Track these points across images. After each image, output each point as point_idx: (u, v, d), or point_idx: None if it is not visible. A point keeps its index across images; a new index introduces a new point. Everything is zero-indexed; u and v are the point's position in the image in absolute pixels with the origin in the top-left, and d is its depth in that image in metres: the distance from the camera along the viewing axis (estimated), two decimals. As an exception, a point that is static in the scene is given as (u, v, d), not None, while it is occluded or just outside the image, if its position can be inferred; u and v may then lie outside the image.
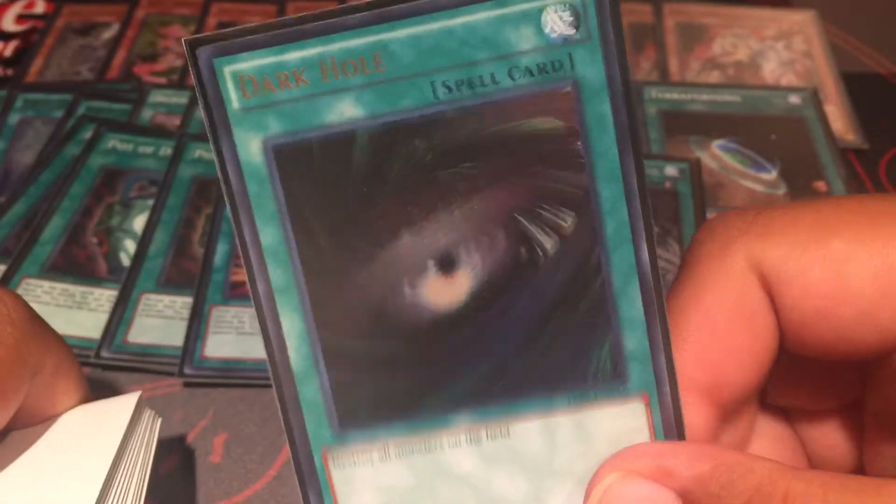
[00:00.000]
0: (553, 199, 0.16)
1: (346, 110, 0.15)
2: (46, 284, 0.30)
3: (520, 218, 0.16)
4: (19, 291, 0.30)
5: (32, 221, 0.32)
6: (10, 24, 0.44)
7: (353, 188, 0.16)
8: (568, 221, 0.16)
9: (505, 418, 0.17)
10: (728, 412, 0.17)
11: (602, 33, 0.15)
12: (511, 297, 0.16)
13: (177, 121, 0.37)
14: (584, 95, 0.15)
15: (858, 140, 0.38)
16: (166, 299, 0.30)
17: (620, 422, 0.17)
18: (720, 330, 0.16)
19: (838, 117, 0.39)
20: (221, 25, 0.44)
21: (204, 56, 0.15)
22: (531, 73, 0.15)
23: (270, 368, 0.17)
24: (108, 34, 0.43)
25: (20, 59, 0.42)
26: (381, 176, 0.16)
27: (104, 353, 0.28)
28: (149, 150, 0.35)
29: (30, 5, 0.45)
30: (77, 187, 0.34)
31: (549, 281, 0.16)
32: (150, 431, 0.22)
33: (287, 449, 0.26)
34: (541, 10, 0.15)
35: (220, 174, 0.16)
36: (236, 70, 0.15)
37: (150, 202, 0.33)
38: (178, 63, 0.42)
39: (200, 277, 0.30)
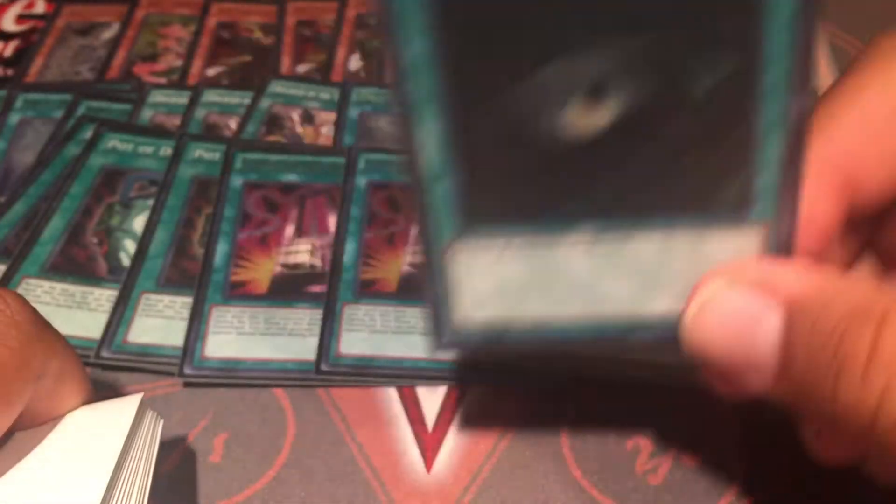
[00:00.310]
0: (717, 42, 0.16)
1: None
2: (46, 284, 0.30)
3: (680, 56, 0.16)
4: (19, 291, 0.30)
5: (32, 221, 0.32)
6: (9, 24, 0.44)
7: (515, 24, 0.16)
8: (728, 65, 0.16)
9: (625, 231, 0.18)
10: (853, 218, 0.17)
11: None
12: (653, 127, 0.17)
13: (177, 121, 0.38)
14: None
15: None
16: (166, 299, 0.30)
17: (735, 246, 0.18)
18: (873, 128, 0.17)
19: (837, 118, 0.39)
20: (222, 26, 0.44)
21: None
22: None
23: (408, 167, 0.18)
24: (108, 34, 0.43)
25: (20, 59, 0.42)
26: (553, 26, 0.16)
27: (104, 353, 0.28)
28: (149, 150, 0.35)
29: (30, 5, 0.45)
30: (77, 187, 0.34)
31: (696, 118, 0.17)
32: (153, 433, 0.22)
33: (286, 451, 0.26)
34: None
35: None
36: None
37: (150, 202, 0.33)
38: (178, 63, 0.42)
39: (200, 277, 0.30)
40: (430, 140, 0.17)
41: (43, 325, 0.21)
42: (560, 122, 0.17)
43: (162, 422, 0.23)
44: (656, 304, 0.19)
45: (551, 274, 0.19)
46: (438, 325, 0.20)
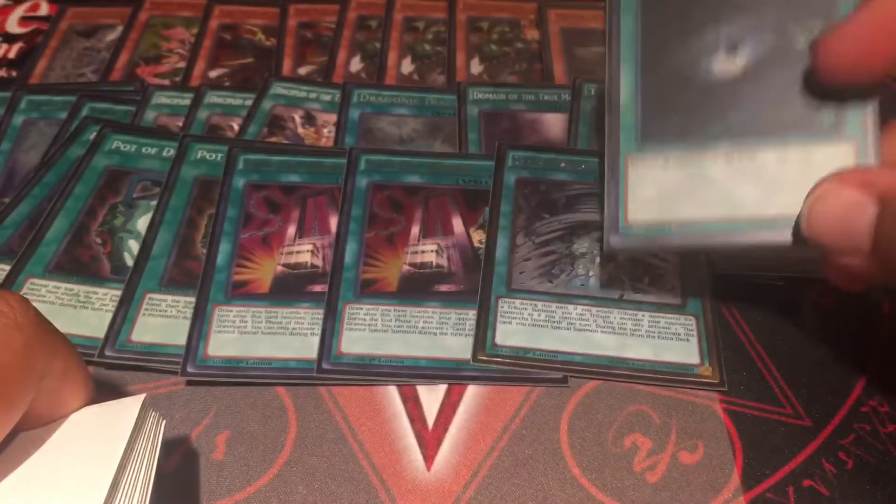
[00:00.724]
0: (809, 12, 0.25)
1: None
2: (51, 284, 0.31)
3: (788, 23, 0.25)
4: (24, 291, 0.30)
5: (37, 222, 0.32)
6: (14, 27, 0.44)
7: (684, 9, 0.27)
8: (817, 28, 0.25)
9: (752, 147, 0.25)
10: None
11: None
12: (771, 73, 0.25)
13: (179, 122, 0.38)
14: None
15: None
16: (169, 299, 0.30)
17: (835, 156, 0.24)
18: None
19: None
20: (224, 28, 0.44)
21: None
22: None
23: (608, 102, 0.27)
24: (111, 36, 0.44)
25: (24, 61, 0.42)
26: (705, 10, 0.26)
27: (108, 352, 0.29)
28: (152, 151, 0.36)
29: (34, 7, 0.46)
30: (81, 188, 0.34)
31: (800, 64, 0.25)
32: (155, 433, 0.22)
33: (287, 449, 0.27)
34: None
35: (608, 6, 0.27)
36: None
37: (154, 203, 0.33)
38: (181, 65, 0.42)
39: (203, 277, 0.31)
40: (627, 80, 0.27)
41: (46, 327, 0.21)
42: (708, 68, 0.26)
43: (164, 422, 0.23)
44: (778, 205, 0.25)
45: (698, 182, 0.26)
46: (614, 224, 0.26)
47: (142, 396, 0.22)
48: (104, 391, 0.28)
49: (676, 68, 0.27)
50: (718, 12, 0.26)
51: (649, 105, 0.27)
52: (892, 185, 0.22)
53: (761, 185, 0.25)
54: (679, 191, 0.26)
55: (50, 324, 0.21)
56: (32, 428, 0.21)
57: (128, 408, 0.22)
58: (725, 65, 0.26)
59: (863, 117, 0.24)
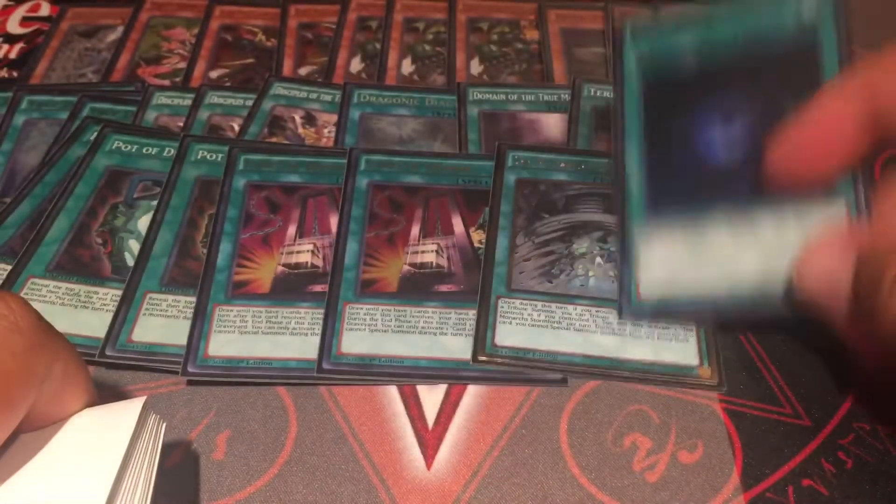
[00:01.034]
0: (798, 82, 0.27)
1: (683, 41, 0.29)
2: (51, 284, 0.31)
3: (778, 93, 0.27)
4: (25, 291, 0.30)
5: (37, 222, 0.33)
6: (15, 27, 0.44)
7: (682, 86, 0.29)
8: (805, 96, 0.26)
9: (751, 214, 0.27)
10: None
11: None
12: (762, 142, 0.26)
13: (180, 122, 0.38)
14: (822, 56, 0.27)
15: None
16: (170, 298, 0.30)
17: (829, 216, 0.26)
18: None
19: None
20: (224, 28, 0.44)
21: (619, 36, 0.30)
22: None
23: (615, 177, 0.29)
24: (112, 37, 0.44)
25: (25, 62, 0.42)
26: (701, 86, 0.28)
27: (108, 352, 0.29)
28: (153, 151, 0.36)
29: (35, 8, 0.46)
30: (82, 188, 0.34)
31: None
32: (156, 435, 0.22)
33: (288, 449, 0.27)
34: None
35: (614, 77, 0.30)
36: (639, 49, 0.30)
37: (154, 202, 0.34)
38: (182, 65, 0.42)
39: (204, 277, 0.31)
40: (632, 156, 0.29)
41: (47, 329, 0.21)
42: (708, 140, 0.28)
43: (165, 424, 0.23)
44: (778, 272, 0.26)
45: (703, 257, 0.27)
46: (627, 300, 0.28)
47: (142, 399, 0.22)
48: (104, 391, 0.28)
49: (678, 143, 0.29)
50: (714, 87, 0.28)
51: (655, 179, 0.29)
52: (866, 242, 0.23)
53: (762, 252, 0.27)
54: (685, 267, 0.28)
55: (51, 326, 0.21)
56: (33, 430, 0.21)
57: (128, 410, 0.22)
58: (723, 136, 0.28)
59: (852, 176, 0.26)
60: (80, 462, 0.20)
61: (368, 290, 0.31)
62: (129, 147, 0.36)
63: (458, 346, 0.29)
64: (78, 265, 0.31)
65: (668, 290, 0.28)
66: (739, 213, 0.27)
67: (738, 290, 0.27)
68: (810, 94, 0.25)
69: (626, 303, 0.29)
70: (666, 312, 0.29)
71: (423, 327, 0.30)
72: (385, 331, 0.29)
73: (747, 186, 0.27)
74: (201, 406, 0.28)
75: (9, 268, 0.31)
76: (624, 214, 0.29)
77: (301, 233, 0.33)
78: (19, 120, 0.38)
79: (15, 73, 0.41)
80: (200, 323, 0.29)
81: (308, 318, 0.30)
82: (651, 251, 0.28)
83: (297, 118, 0.38)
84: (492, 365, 0.29)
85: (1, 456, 0.20)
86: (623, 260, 0.29)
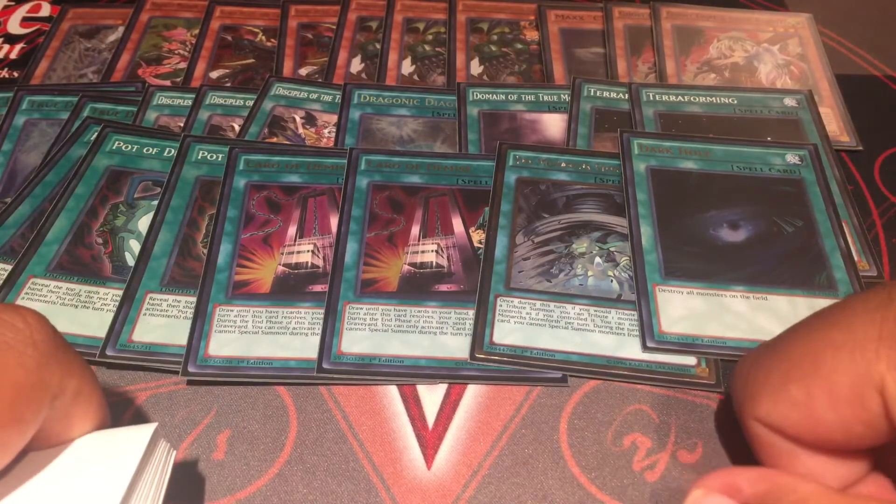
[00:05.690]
0: (791, 214, 0.33)
1: (686, 164, 0.35)
2: (52, 284, 0.31)
3: (775, 218, 0.33)
4: (25, 291, 0.30)
5: (38, 222, 0.33)
6: (15, 27, 0.45)
7: (685, 190, 0.34)
8: (798, 223, 0.33)
9: (765, 292, 0.31)
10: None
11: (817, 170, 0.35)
12: (769, 245, 0.32)
13: (181, 122, 0.38)
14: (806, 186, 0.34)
15: (853, 142, 0.38)
16: (170, 299, 0.30)
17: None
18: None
19: (833, 119, 0.39)
20: (225, 29, 0.44)
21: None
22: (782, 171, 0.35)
23: (631, 245, 0.32)
24: (112, 37, 0.44)
25: (26, 62, 0.42)
26: (699, 189, 0.34)
27: (109, 352, 0.29)
28: (153, 151, 0.36)
29: (35, 8, 0.46)
30: (82, 188, 0.34)
31: (791, 242, 0.32)
32: (164, 463, 0.22)
33: (288, 448, 0.27)
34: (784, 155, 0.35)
35: (624, 178, 0.35)
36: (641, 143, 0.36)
37: (155, 203, 0.34)
38: (182, 66, 0.42)
39: (204, 277, 0.31)
40: (647, 233, 0.32)
41: (61, 345, 0.20)
42: (716, 234, 0.32)
43: (175, 452, 0.22)
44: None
45: (721, 310, 0.30)
46: (649, 331, 0.29)
47: (153, 425, 0.22)
48: (104, 391, 0.28)
49: (688, 231, 0.33)
50: (714, 200, 0.34)
51: (669, 253, 0.32)
52: (757, 491, 0.21)
53: (778, 317, 0.30)
54: (705, 314, 0.30)
55: (66, 342, 0.21)
56: (42, 448, 0.21)
57: (138, 435, 0.21)
58: (730, 236, 0.32)
59: (851, 283, 0.31)
60: (87, 484, 0.20)
61: (368, 290, 0.31)
62: (130, 147, 0.36)
63: (458, 346, 0.29)
64: (78, 265, 0.32)
65: (690, 329, 0.29)
66: (753, 289, 0.31)
67: (761, 337, 0.29)
68: (804, 224, 0.32)
69: (648, 335, 0.29)
70: (688, 348, 0.29)
71: (422, 327, 0.30)
72: (385, 330, 0.29)
73: (759, 273, 0.31)
74: (201, 406, 0.28)
75: (9, 268, 0.31)
76: (640, 271, 0.31)
77: (301, 233, 0.33)
78: (20, 120, 0.38)
79: (16, 74, 0.41)
80: (201, 323, 0.29)
81: (308, 317, 0.30)
82: (669, 297, 0.30)
83: (298, 118, 0.38)
84: (490, 363, 0.29)
85: (9, 472, 0.20)
86: (642, 297, 0.30)
